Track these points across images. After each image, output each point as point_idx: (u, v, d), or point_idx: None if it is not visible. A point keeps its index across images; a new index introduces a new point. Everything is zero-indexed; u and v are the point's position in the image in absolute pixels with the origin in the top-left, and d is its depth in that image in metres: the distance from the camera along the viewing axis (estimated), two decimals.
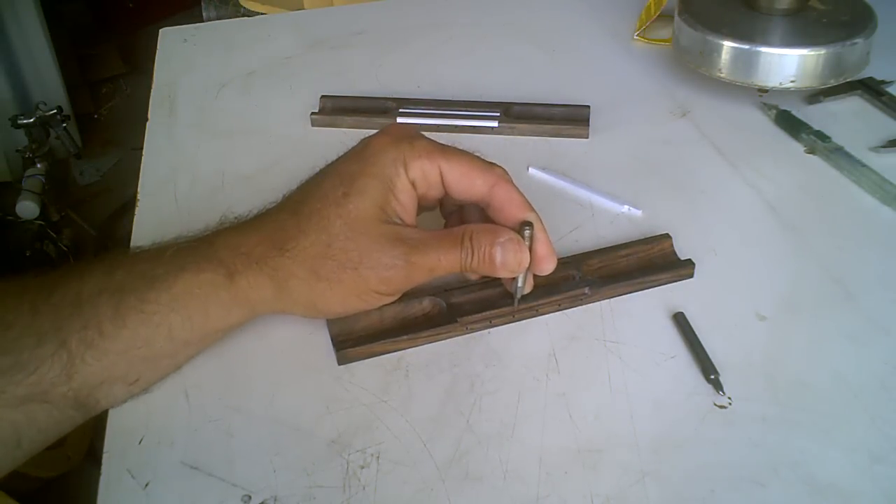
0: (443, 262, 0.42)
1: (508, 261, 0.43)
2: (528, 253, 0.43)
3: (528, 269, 0.44)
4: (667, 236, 0.51)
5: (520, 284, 0.45)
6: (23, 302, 0.40)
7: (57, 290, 0.41)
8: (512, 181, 0.44)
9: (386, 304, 0.46)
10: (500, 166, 0.45)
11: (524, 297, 0.46)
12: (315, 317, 0.46)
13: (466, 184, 0.44)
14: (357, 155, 0.44)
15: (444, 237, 0.43)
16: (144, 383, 0.43)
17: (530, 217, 0.43)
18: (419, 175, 0.43)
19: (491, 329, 0.47)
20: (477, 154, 0.45)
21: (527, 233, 0.43)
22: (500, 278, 0.47)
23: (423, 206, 0.46)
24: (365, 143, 0.44)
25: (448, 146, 0.44)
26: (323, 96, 0.67)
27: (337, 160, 0.45)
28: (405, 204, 0.43)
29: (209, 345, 0.45)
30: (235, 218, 0.46)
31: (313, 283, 0.42)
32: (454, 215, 0.48)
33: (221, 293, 0.42)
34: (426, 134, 0.45)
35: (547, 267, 0.45)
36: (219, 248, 0.43)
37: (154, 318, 0.41)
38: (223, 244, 0.43)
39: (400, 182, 0.43)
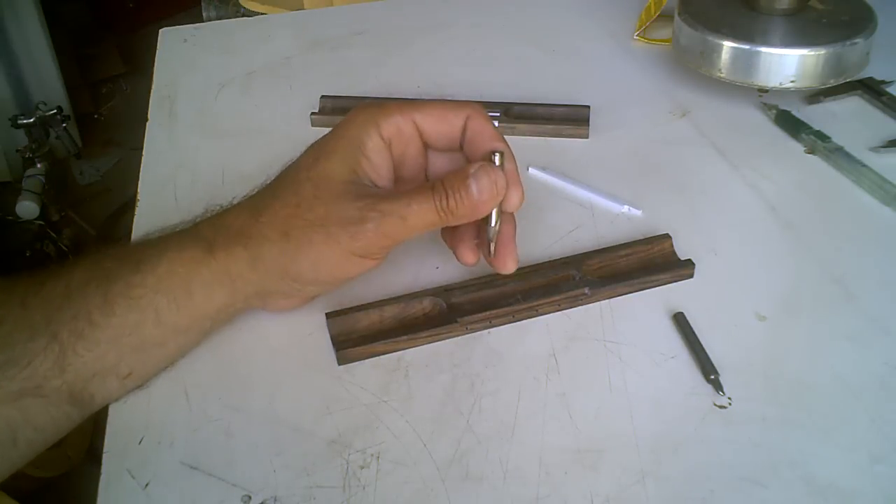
0: (414, 207, 0.41)
1: (484, 187, 0.42)
2: (502, 175, 0.42)
3: (500, 220, 0.44)
4: (667, 236, 0.51)
5: (493, 224, 0.43)
6: (13, 297, 0.41)
7: (46, 284, 0.41)
8: (485, 115, 0.44)
9: (386, 305, 0.46)
10: (473, 103, 0.45)
11: (523, 298, 0.47)
12: (291, 289, 0.44)
13: (444, 126, 0.44)
14: (333, 128, 0.45)
15: (414, 188, 0.42)
16: (137, 377, 0.43)
17: (497, 145, 0.43)
18: (394, 131, 0.43)
19: (491, 329, 0.47)
20: None
21: (496, 158, 0.42)
22: (489, 274, 0.46)
23: (405, 173, 0.45)
24: (339, 121, 0.45)
25: (418, 100, 0.45)
26: (323, 96, 0.67)
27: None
28: (377, 165, 0.43)
29: (199, 334, 0.45)
30: (219, 206, 0.46)
31: (283, 245, 0.42)
32: None
33: (202, 270, 0.42)
34: None
35: (512, 199, 0.43)
36: (202, 227, 0.44)
37: (141, 301, 0.41)
38: (206, 223, 0.44)
39: (371, 142, 0.43)
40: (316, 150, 0.44)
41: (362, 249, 0.42)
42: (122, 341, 0.41)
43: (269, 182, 0.45)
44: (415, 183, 0.47)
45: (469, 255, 0.46)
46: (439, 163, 0.46)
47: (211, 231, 0.43)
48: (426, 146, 0.45)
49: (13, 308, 0.40)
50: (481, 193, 0.42)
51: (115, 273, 0.41)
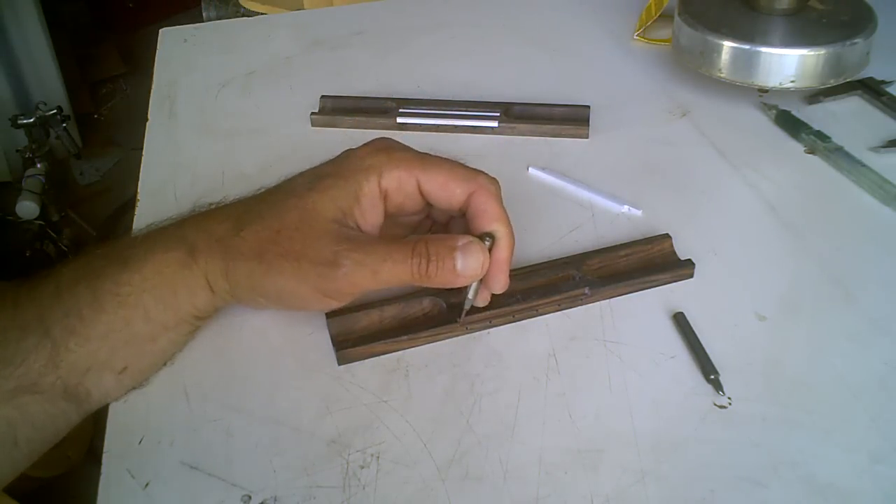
0: (388, 265, 0.41)
1: (469, 265, 0.41)
2: (488, 256, 0.42)
3: (481, 281, 0.43)
4: (667, 236, 0.51)
5: (470, 296, 0.44)
6: (4, 298, 0.41)
7: (37, 284, 0.42)
8: (493, 192, 0.43)
9: (386, 305, 0.46)
10: (486, 176, 0.44)
11: (523, 298, 0.47)
12: (259, 304, 0.45)
13: (444, 194, 0.43)
14: (338, 159, 0.45)
15: (394, 243, 0.42)
16: (134, 373, 0.43)
17: (495, 228, 0.42)
18: (394, 185, 0.43)
19: (491, 329, 0.47)
20: (462, 161, 0.44)
21: (487, 242, 0.42)
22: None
23: (404, 216, 0.46)
24: (347, 152, 0.45)
25: (430, 157, 0.44)
26: (323, 96, 0.67)
27: (322, 163, 0.45)
28: (366, 212, 0.43)
29: (189, 330, 0.45)
30: (210, 204, 0.47)
31: (255, 266, 0.42)
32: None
33: (185, 272, 0.42)
34: (426, 134, 0.45)
35: (496, 285, 0.43)
36: (186, 228, 0.44)
37: (129, 299, 0.41)
38: (190, 224, 0.44)
39: (368, 189, 0.42)
40: (312, 180, 0.43)
41: (328, 291, 0.42)
42: (113, 336, 0.41)
43: (263, 191, 0.45)
44: (410, 228, 0.48)
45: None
46: (441, 214, 0.47)
47: (194, 234, 0.43)
48: (426, 200, 0.45)
49: (5, 308, 0.41)
50: (464, 270, 0.42)
51: (103, 271, 0.42)
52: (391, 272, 0.41)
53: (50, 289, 0.41)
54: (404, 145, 0.45)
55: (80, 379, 0.41)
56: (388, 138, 0.46)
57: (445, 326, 0.46)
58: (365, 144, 0.45)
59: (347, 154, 0.45)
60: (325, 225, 0.42)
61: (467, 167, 0.44)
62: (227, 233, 0.43)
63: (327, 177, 0.43)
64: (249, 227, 0.42)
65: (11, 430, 0.39)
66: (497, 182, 0.44)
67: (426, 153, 0.44)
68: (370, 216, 0.43)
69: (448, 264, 0.41)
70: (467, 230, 0.44)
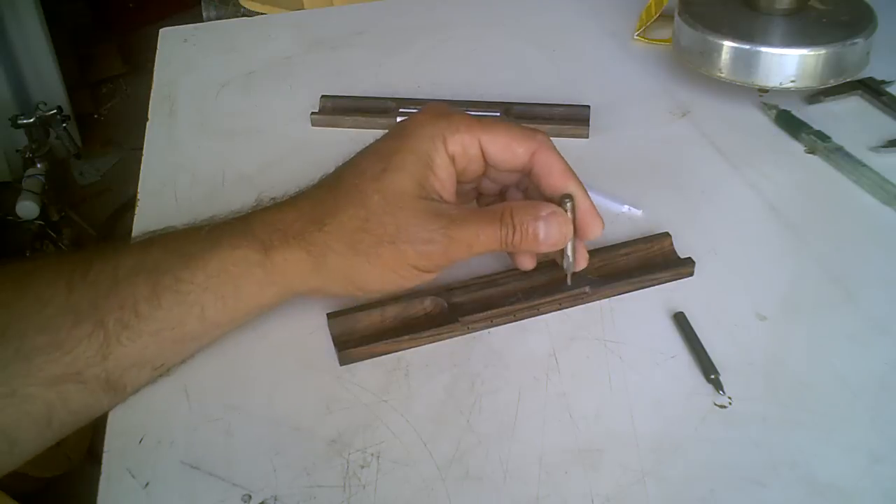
0: (482, 238, 0.42)
1: (552, 234, 0.42)
2: (571, 225, 0.43)
3: (576, 240, 0.44)
4: (667, 235, 0.51)
5: (570, 260, 0.45)
6: (59, 278, 0.41)
7: (93, 267, 0.41)
8: (553, 147, 0.44)
9: (387, 305, 0.46)
10: (541, 132, 0.44)
11: (524, 297, 0.47)
12: (352, 294, 0.45)
13: (508, 155, 0.44)
14: (396, 133, 0.44)
15: (483, 213, 0.43)
16: (167, 368, 0.43)
17: (570, 187, 0.43)
18: (459, 150, 0.43)
19: (491, 329, 0.47)
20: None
21: (567, 205, 0.43)
22: (531, 268, 0.47)
23: (463, 183, 0.46)
24: (403, 122, 0.44)
25: (487, 119, 0.44)
26: (323, 96, 0.67)
27: (375, 141, 0.45)
28: (444, 180, 0.43)
29: (235, 328, 0.45)
30: (272, 199, 0.46)
31: (351, 258, 0.42)
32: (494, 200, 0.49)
33: (256, 270, 0.42)
34: None
35: (593, 232, 0.44)
36: (254, 225, 0.43)
37: (189, 297, 0.41)
38: (259, 220, 0.43)
39: (438, 157, 0.43)
40: (382, 160, 0.43)
41: (427, 267, 0.43)
42: (165, 335, 0.41)
43: (322, 181, 0.45)
44: (471, 196, 0.48)
45: (528, 262, 0.46)
46: (501, 177, 0.47)
47: (265, 231, 0.43)
48: (487, 164, 0.45)
49: (59, 290, 0.40)
50: (548, 238, 0.42)
51: (163, 264, 0.41)
52: (483, 244, 0.42)
53: (107, 273, 0.41)
54: (458, 109, 0.45)
55: (123, 373, 0.41)
56: (440, 104, 0.45)
57: (447, 326, 0.46)
58: (420, 113, 0.44)
59: (405, 125, 0.44)
60: (412, 203, 0.42)
61: (523, 126, 0.44)
62: (307, 228, 0.42)
63: (395, 153, 0.43)
64: (333, 220, 0.42)
65: (48, 413, 0.39)
66: (547, 136, 0.44)
67: (481, 116, 0.44)
68: (447, 184, 0.43)
69: (531, 233, 0.42)
70: (533, 193, 0.45)
